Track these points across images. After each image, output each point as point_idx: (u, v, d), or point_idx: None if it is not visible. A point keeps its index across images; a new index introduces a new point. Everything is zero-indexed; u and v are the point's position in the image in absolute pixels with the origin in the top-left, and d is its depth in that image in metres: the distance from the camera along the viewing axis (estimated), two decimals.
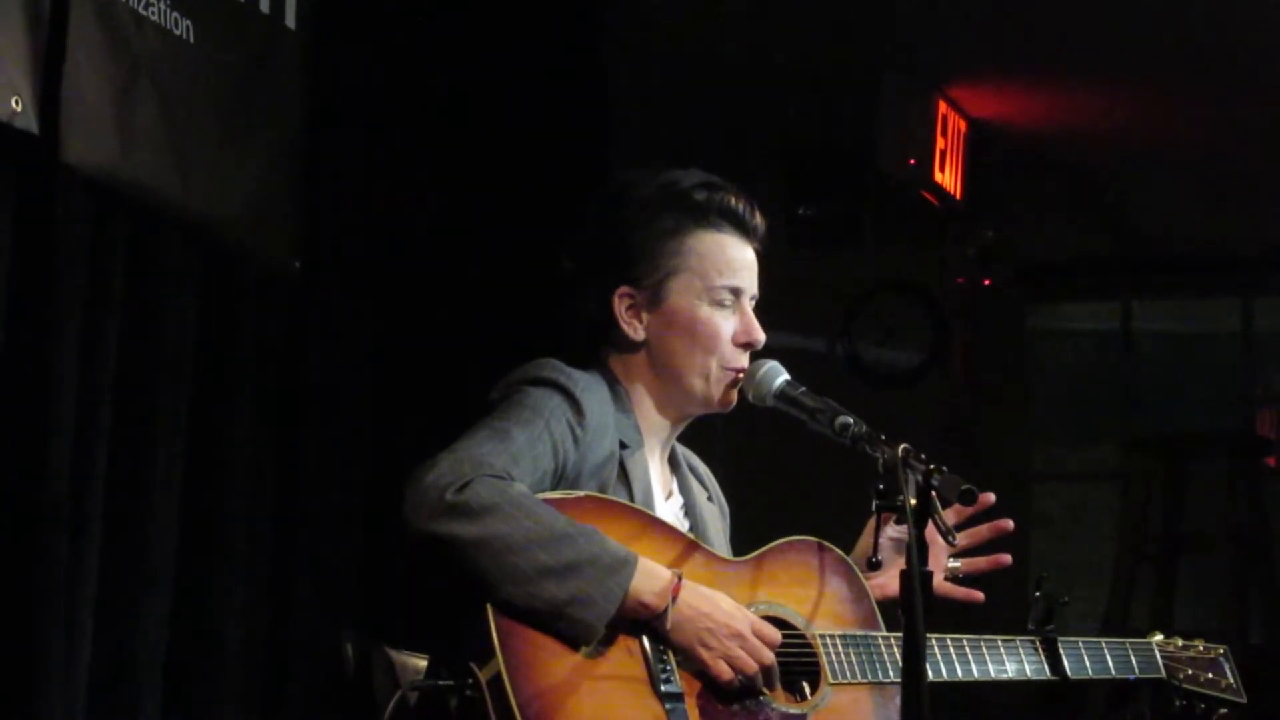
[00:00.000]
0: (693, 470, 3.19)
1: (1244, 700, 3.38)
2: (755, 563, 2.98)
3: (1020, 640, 3.14)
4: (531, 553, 2.68)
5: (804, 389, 2.99)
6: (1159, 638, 3.36)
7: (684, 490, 3.12)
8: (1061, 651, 3.16)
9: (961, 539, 3.09)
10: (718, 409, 3.06)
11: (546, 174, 5.20)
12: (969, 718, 3.26)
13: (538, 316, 4.50)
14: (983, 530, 3.13)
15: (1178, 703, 3.31)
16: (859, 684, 2.94)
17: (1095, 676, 3.21)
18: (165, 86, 3.92)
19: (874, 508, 2.77)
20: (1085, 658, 3.20)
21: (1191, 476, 8.09)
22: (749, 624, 2.82)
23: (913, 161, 7.28)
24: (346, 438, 4.64)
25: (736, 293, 3.03)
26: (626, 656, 2.75)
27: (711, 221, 3.03)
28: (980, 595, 3.14)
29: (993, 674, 3.09)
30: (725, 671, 2.79)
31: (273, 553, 4.37)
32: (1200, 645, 3.40)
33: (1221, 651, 3.41)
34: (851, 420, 2.89)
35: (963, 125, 7.51)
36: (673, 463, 3.14)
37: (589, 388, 2.94)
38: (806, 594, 2.98)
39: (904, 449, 2.73)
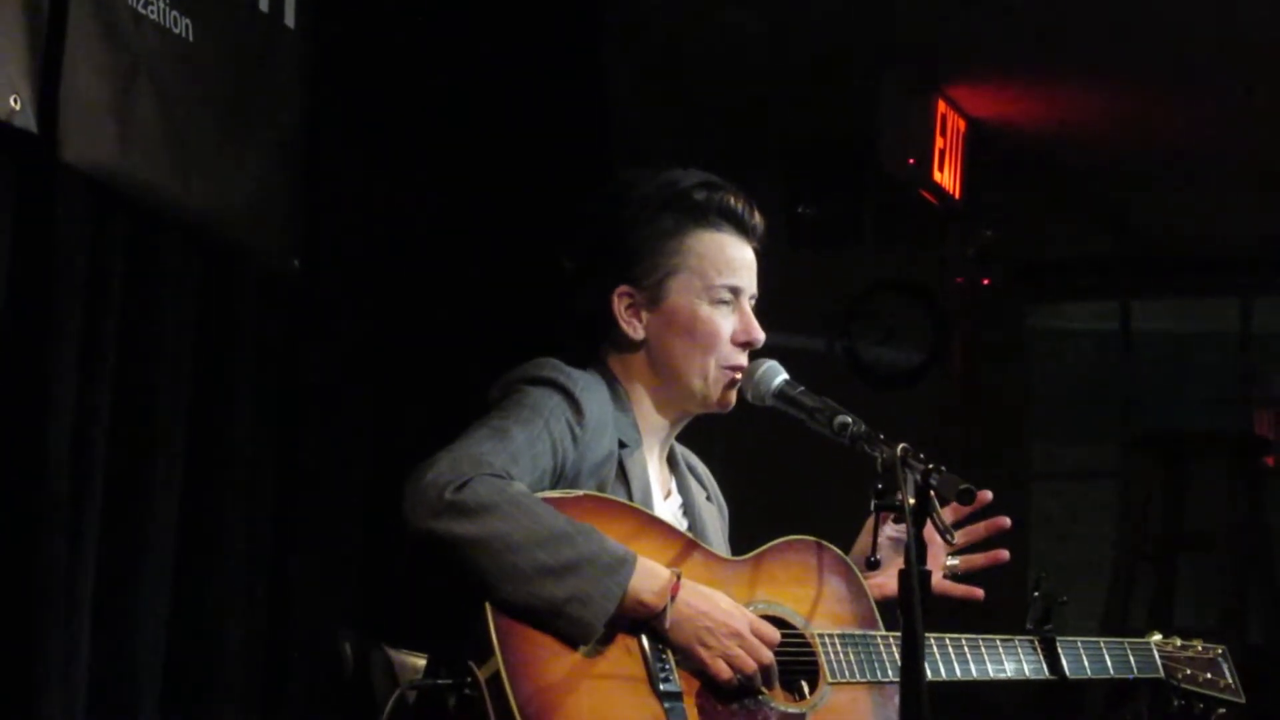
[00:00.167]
0: (691, 470, 3.19)
1: (1242, 700, 3.38)
2: (754, 562, 2.98)
3: (1019, 640, 3.15)
4: (530, 552, 2.68)
5: (803, 388, 3.00)
6: (1157, 637, 3.37)
7: (683, 489, 3.13)
8: (1060, 651, 3.17)
9: (959, 537, 3.09)
10: (716, 409, 3.06)
11: (546, 173, 5.20)
12: (967, 717, 3.26)
13: (537, 316, 4.51)
14: (980, 529, 3.14)
15: (1176, 702, 3.31)
16: (858, 683, 2.94)
17: (1094, 676, 3.22)
18: (164, 85, 3.92)
19: (873, 507, 2.78)
20: (1084, 657, 3.20)
21: (1190, 476, 8.10)
22: (748, 623, 2.82)
23: (912, 161, 7.28)
24: (346, 437, 4.64)
25: (736, 292, 3.03)
26: (625, 655, 2.75)
27: (711, 221, 3.04)
28: (980, 592, 3.14)
29: (991, 674, 3.09)
30: (724, 670, 2.79)
31: (272, 552, 4.37)
32: (1199, 645, 3.40)
33: (1220, 651, 3.42)
34: (850, 420, 2.90)
35: (962, 125, 7.51)
36: (671, 462, 3.14)
37: (588, 387, 2.94)
38: (805, 593, 2.98)
39: (903, 448, 2.73)
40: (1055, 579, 3.23)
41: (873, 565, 2.85)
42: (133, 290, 3.89)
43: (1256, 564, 7.98)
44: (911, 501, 2.68)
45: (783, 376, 3.02)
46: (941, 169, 7.42)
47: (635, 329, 3.02)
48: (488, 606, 2.68)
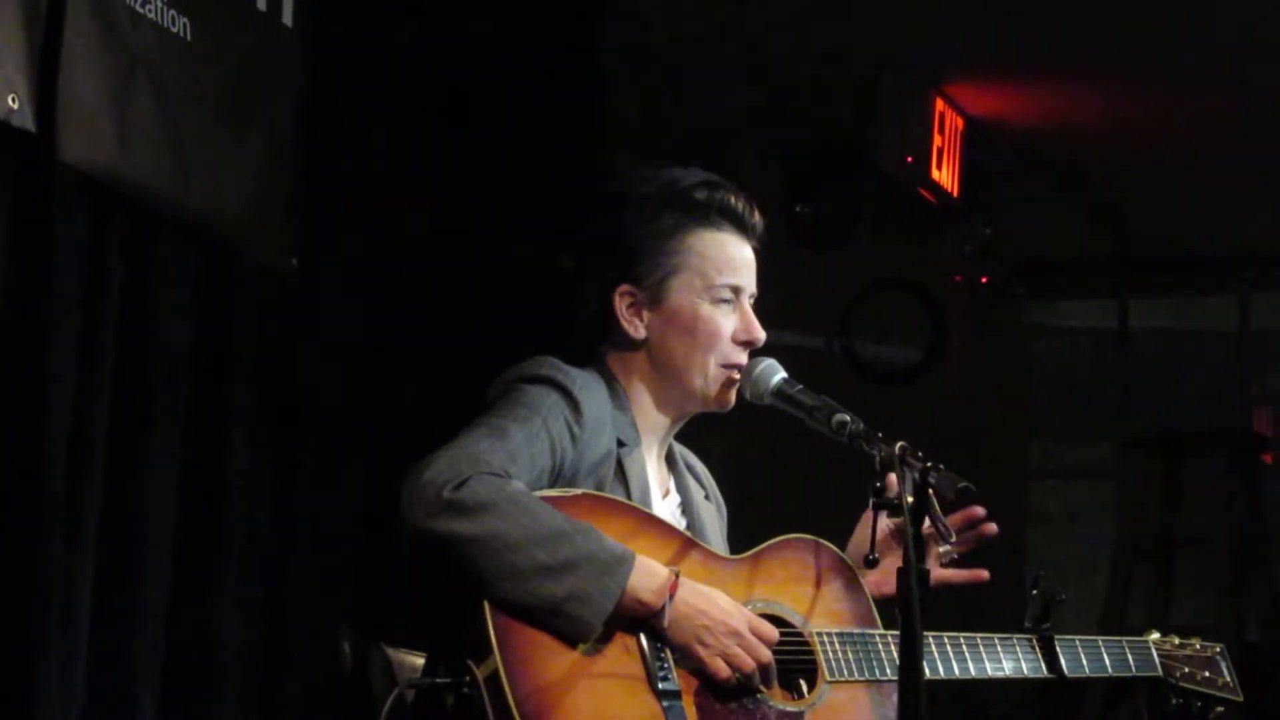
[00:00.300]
0: (690, 469, 3.19)
1: (1240, 698, 3.39)
2: (752, 561, 2.98)
3: (1017, 638, 3.15)
4: (529, 550, 2.69)
5: (801, 387, 3.00)
6: (1156, 636, 3.37)
7: (681, 488, 3.13)
8: (1058, 650, 3.17)
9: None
10: (715, 408, 3.07)
11: (545, 172, 5.20)
12: (966, 716, 3.26)
13: (536, 315, 4.51)
14: (968, 536, 3.11)
15: (1174, 701, 3.32)
16: (856, 682, 2.94)
17: (1092, 675, 3.22)
18: (162, 84, 3.91)
19: (871, 505, 2.78)
20: (1082, 656, 3.20)
21: (1188, 474, 8.09)
22: (746, 622, 2.82)
23: (910, 159, 7.27)
24: (344, 436, 4.64)
25: (737, 291, 3.04)
26: (624, 654, 2.75)
27: (712, 220, 3.04)
28: (984, 573, 3.12)
29: (990, 672, 3.09)
30: (722, 669, 2.79)
31: (270, 551, 4.37)
32: (1197, 643, 3.40)
33: (1218, 650, 3.42)
34: (849, 418, 2.90)
35: (960, 123, 7.51)
36: (670, 461, 3.15)
37: (587, 386, 2.95)
38: (803, 592, 2.98)
39: (901, 447, 2.73)
40: (1053, 577, 3.23)
41: (871, 563, 2.85)
42: (131, 289, 3.88)
43: (1255, 562, 7.97)
44: (910, 500, 2.68)
45: (781, 375, 3.02)
46: (939, 167, 7.42)
47: (636, 328, 3.03)
48: (486, 605, 2.68)
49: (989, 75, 7.23)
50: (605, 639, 2.74)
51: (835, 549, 3.07)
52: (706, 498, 3.19)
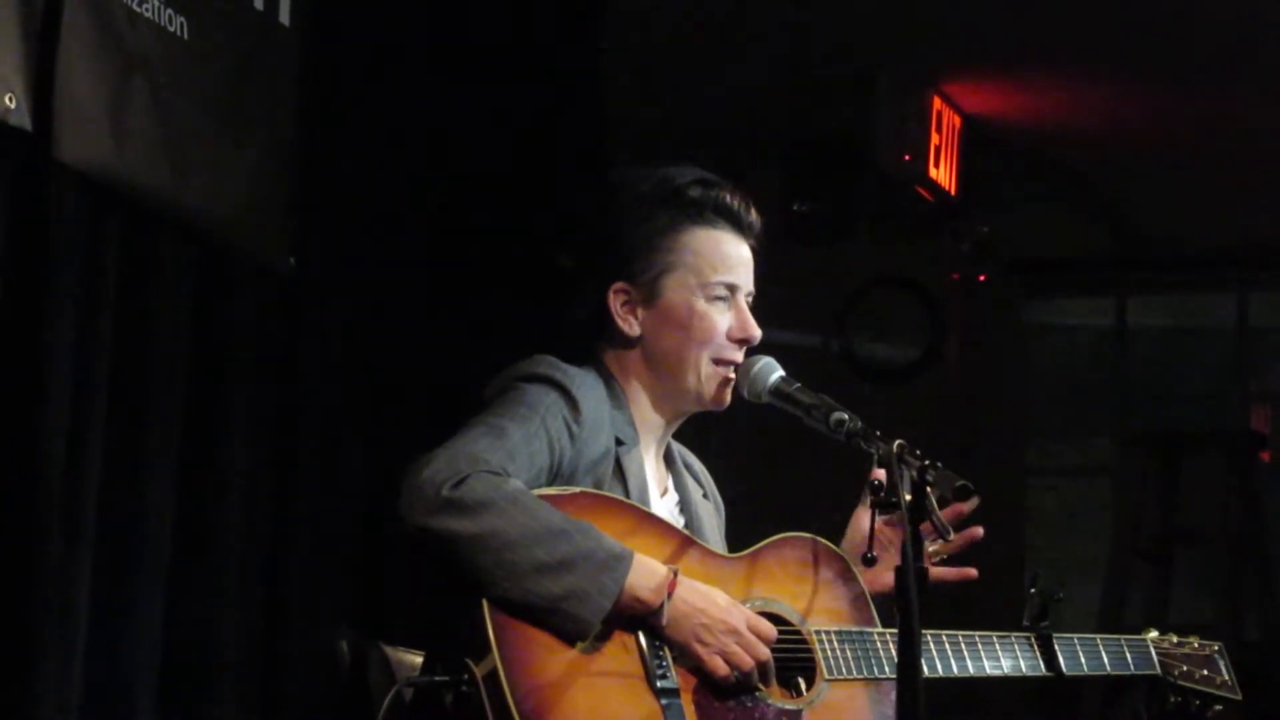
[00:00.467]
0: (688, 467, 3.19)
1: (1239, 697, 3.39)
2: (750, 559, 2.98)
3: (1015, 636, 3.15)
4: (527, 548, 2.69)
5: (799, 385, 3.00)
6: (1154, 634, 3.37)
7: (679, 487, 3.13)
8: (1056, 648, 3.17)
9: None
10: (712, 407, 3.06)
11: (545, 172, 5.20)
12: (964, 714, 3.26)
13: (535, 314, 4.51)
14: (955, 541, 3.11)
15: (1173, 699, 3.31)
16: (854, 680, 2.94)
17: (1090, 673, 3.22)
18: (159, 83, 3.91)
19: (869, 504, 2.78)
20: (1080, 654, 3.20)
21: (1186, 472, 8.10)
22: (745, 620, 2.82)
23: (907, 157, 7.28)
24: (342, 436, 4.64)
25: (732, 289, 3.04)
26: (622, 652, 2.75)
27: (706, 218, 3.04)
28: (972, 571, 3.12)
29: (988, 670, 3.09)
30: (721, 667, 2.79)
31: (268, 550, 4.37)
32: (1195, 642, 3.40)
33: (1216, 648, 3.42)
34: (846, 416, 2.90)
35: (957, 121, 7.51)
36: (668, 460, 3.15)
37: (585, 384, 2.95)
38: (802, 590, 2.98)
39: (899, 445, 2.74)
40: (1051, 575, 3.23)
41: (869, 562, 2.85)
42: (128, 289, 3.88)
43: (1252, 560, 7.98)
44: (908, 498, 2.68)
45: (779, 373, 3.02)
46: (937, 165, 7.42)
47: (631, 325, 3.03)
48: (484, 603, 2.68)
49: (986, 73, 7.23)
50: (604, 637, 2.74)
51: (834, 547, 3.07)
52: (705, 496, 3.19)
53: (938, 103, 7.34)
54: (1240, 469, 8.06)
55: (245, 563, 4.26)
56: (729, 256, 3.04)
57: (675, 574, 2.78)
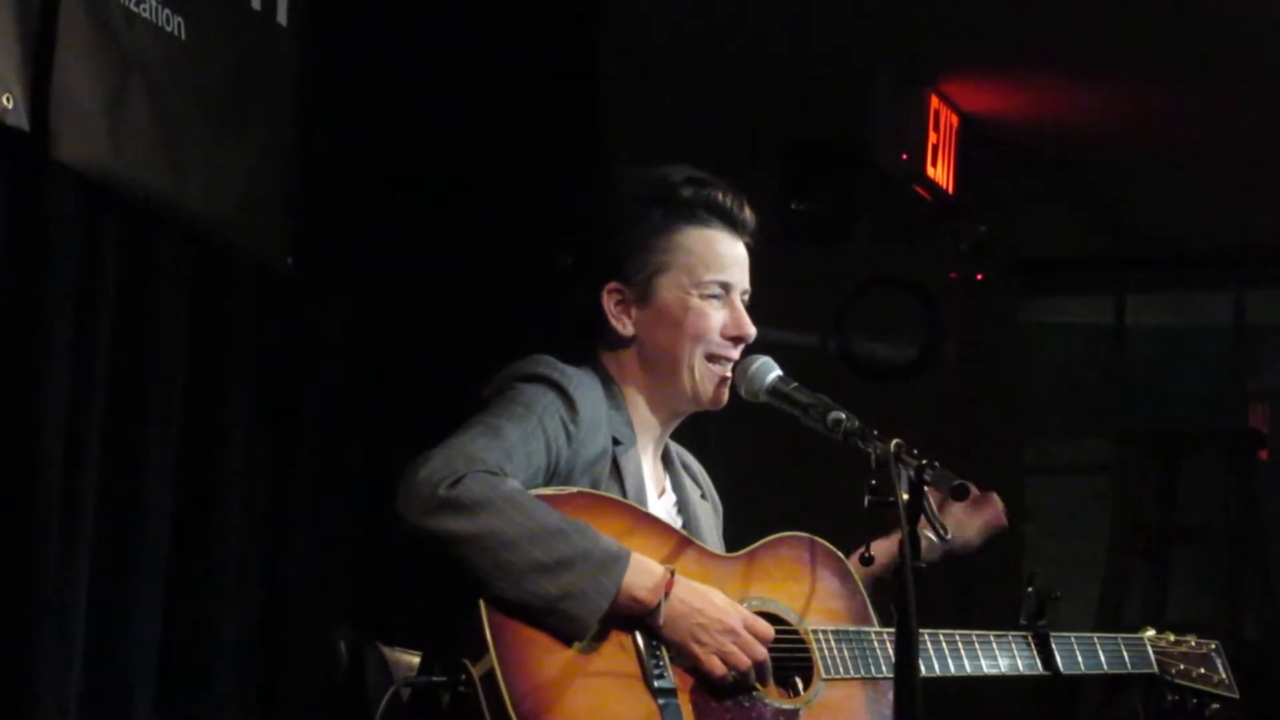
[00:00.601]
0: (685, 467, 3.19)
1: (1236, 695, 3.39)
2: (748, 559, 2.98)
3: (1013, 636, 3.15)
4: (524, 548, 2.69)
5: (796, 384, 3.00)
6: (1151, 633, 3.37)
7: (677, 487, 3.13)
8: (1054, 647, 3.17)
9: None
10: (708, 406, 3.06)
11: (541, 171, 5.20)
12: (962, 713, 3.26)
13: (533, 314, 4.51)
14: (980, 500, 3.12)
15: (1170, 698, 3.32)
16: (852, 679, 2.94)
17: (1087, 672, 3.22)
18: (157, 83, 3.91)
19: (867, 503, 2.78)
20: (1077, 653, 3.20)
21: (1184, 471, 8.09)
22: (742, 619, 2.82)
23: (905, 156, 7.27)
24: (340, 435, 4.64)
25: (726, 288, 3.04)
26: (619, 652, 2.75)
27: (700, 217, 3.04)
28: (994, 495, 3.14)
29: (985, 669, 3.09)
30: (718, 667, 2.79)
31: (267, 550, 4.37)
32: (1193, 640, 3.40)
33: (1214, 646, 3.42)
34: (844, 415, 2.89)
35: (955, 120, 7.50)
36: (666, 459, 3.14)
37: (582, 384, 2.95)
38: (799, 589, 2.98)
39: (896, 444, 2.73)
40: (1049, 574, 3.23)
41: (867, 562, 2.85)
42: (126, 289, 3.88)
43: (1251, 559, 7.98)
44: (905, 497, 2.68)
45: (776, 372, 3.02)
46: (935, 164, 7.41)
47: (625, 325, 3.03)
48: (482, 603, 2.68)
49: (984, 72, 7.22)
50: (601, 637, 2.74)
51: (831, 546, 3.07)
52: (702, 496, 3.19)
53: (936, 102, 7.34)
54: (1239, 468, 8.06)
55: (244, 562, 4.26)
56: (722, 255, 3.04)
57: (672, 574, 2.78)
